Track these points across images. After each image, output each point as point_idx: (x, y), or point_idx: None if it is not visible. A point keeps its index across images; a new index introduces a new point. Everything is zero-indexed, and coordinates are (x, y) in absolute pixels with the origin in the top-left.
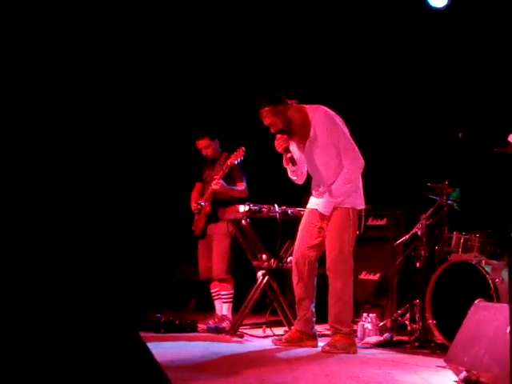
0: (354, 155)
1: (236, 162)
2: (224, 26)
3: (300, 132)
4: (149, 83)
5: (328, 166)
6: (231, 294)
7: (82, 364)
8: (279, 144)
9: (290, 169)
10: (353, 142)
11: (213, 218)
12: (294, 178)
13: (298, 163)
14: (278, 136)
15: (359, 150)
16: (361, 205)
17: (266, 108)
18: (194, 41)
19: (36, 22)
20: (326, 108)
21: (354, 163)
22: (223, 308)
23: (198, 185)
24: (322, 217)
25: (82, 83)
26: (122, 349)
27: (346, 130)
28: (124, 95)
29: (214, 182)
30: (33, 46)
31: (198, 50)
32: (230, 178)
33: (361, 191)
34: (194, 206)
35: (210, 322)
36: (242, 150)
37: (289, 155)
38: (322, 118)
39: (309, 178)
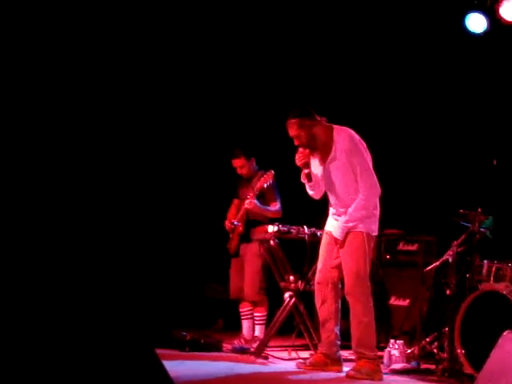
0: (370, 182)
1: (265, 186)
2: (254, 43)
3: (322, 149)
4: (187, 97)
5: (345, 188)
6: (264, 315)
7: (94, 376)
8: (300, 158)
9: (307, 184)
10: (372, 169)
11: (245, 237)
12: (311, 192)
13: (314, 181)
14: (300, 150)
15: (385, 175)
16: (375, 231)
17: (293, 120)
18: (228, 57)
19: (36, 22)
20: (352, 131)
21: (370, 190)
22: (256, 329)
23: (236, 202)
24: (336, 241)
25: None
26: (135, 365)
27: (369, 157)
28: (162, 109)
29: (247, 201)
30: (33, 46)
31: (237, 66)
32: (263, 198)
33: (376, 218)
34: (227, 224)
35: (236, 343)
36: (270, 174)
37: (306, 171)
38: (346, 140)
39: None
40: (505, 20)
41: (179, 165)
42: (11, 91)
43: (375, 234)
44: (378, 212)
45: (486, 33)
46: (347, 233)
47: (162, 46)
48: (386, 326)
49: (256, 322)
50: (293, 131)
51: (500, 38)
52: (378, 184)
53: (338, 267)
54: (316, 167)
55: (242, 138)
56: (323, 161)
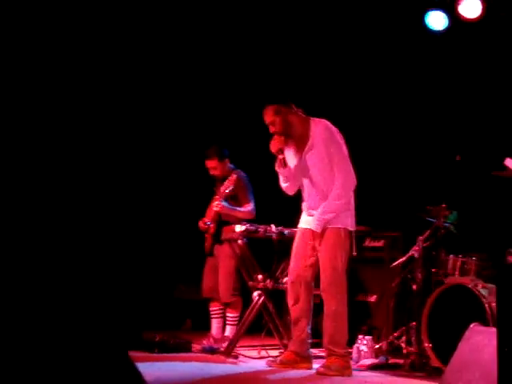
0: (347, 173)
1: (227, 191)
2: (234, 39)
3: (298, 139)
4: (165, 98)
5: (322, 179)
6: (237, 316)
7: (68, 380)
8: (274, 144)
9: (281, 173)
10: (348, 161)
11: (218, 238)
12: (285, 185)
13: (288, 172)
14: (275, 136)
15: (354, 170)
16: (352, 226)
17: (269, 106)
18: (209, 55)
19: (36, 22)
20: (328, 122)
21: (346, 181)
22: (227, 330)
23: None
24: (314, 235)
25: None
26: (109, 368)
27: (345, 148)
28: (139, 109)
29: (215, 203)
30: (33, 46)
31: (214, 63)
32: (236, 199)
33: (352, 212)
34: (201, 224)
35: (205, 342)
36: (232, 178)
37: (281, 156)
38: (323, 130)
39: (300, 197)
40: (464, 17)
41: (155, 164)
42: (11, 91)
43: (353, 229)
44: (353, 207)
45: (446, 30)
46: (325, 228)
47: (135, 46)
48: (353, 323)
49: (228, 323)
50: (268, 117)
51: (460, 35)
52: (353, 175)
53: (312, 266)
54: (291, 159)
55: (216, 138)
56: (300, 151)
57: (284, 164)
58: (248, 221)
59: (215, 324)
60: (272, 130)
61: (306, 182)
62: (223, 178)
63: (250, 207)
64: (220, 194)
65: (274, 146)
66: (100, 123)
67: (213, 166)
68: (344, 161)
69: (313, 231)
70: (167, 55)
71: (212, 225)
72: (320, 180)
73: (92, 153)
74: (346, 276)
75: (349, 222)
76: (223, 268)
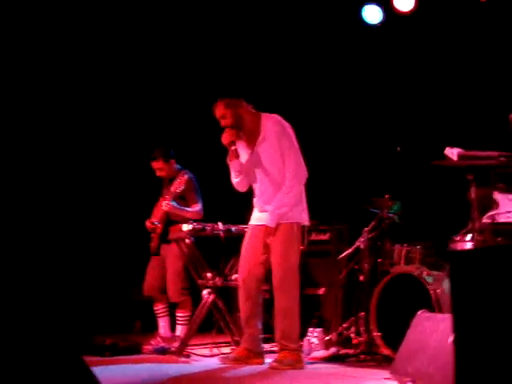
0: (297, 165)
1: (177, 191)
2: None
3: (249, 133)
4: (110, 97)
5: (275, 171)
6: (187, 316)
7: None
8: (226, 136)
9: (233, 167)
10: (299, 153)
11: (165, 237)
12: (236, 180)
13: (240, 167)
14: (227, 129)
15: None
16: (305, 220)
17: (220, 100)
18: (154, 51)
19: (36, 22)
20: (280, 117)
21: (298, 173)
22: (178, 329)
23: (160, 202)
24: (268, 231)
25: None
26: (66, 374)
27: (296, 142)
28: (86, 109)
29: (164, 203)
30: (33, 46)
31: (159, 60)
32: (184, 200)
33: (304, 206)
34: (148, 224)
35: (153, 343)
36: (183, 179)
37: (233, 147)
38: (275, 124)
39: (249, 194)
40: (399, 11)
41: (103, 165)
42: (11, 91)
43: (306, 223)
44: (305, 200)
45: (381, 23)
46: (279, 223)
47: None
48: (303, 316)
49: (178, 322)
50: (219, 111)
51: (395, 28)
52: (305, 168)
53: (264, 263)
54: (242, 154)
55: (162, 138)
56: (251, 145)
57: (236, 155)
58: (195, 220)
59: (162, 323)
60: (223, 123)
61: (258, 176)
62: (170, 179)
63: (198, 207)
64: (170, 193)
65: (225, 139)
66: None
67: (159, 166)
68: (295, 153)
69: (266, 227)
70: (109, 53)
71: (159, 225)
72: (273, 172)
73: (36, 151)
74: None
75: (303, 216)
76: (171, 268)
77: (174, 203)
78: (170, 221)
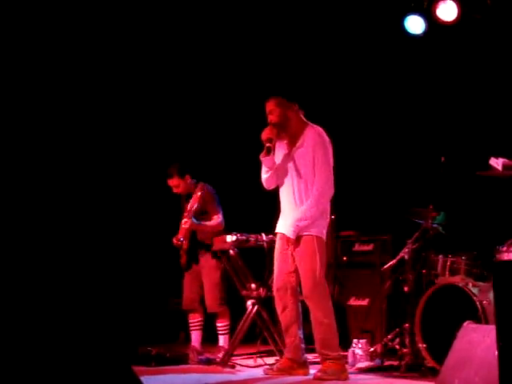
0: (327, 180)
1: (193, 208)
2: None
3: (291, 137)
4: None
5: (302, 181)
6: (227, 325)
7: None
8: (266, 132)
9: (265, 162)
10: (331, 170)
11: (192, 253)
12: (265, 176)
13: (272, 164)
14: (270, 126)
15: (336, 178)
16: (324, 235)
17: (274, 97)
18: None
19: (36, 22)
20: (323, 130)
21: (325, 189)
22: (220, 339)
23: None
24: (289, 241)
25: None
26: (116, 382)
27: (331, 159)
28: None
29: (183, 221)
30: (33, 46)
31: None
32: (204, 213)
33: (326, 223)
34: (174, 241)
35: (191, 356)
36: (196, 197)
37: (268, 144)
38: (316, 134)
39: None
40: (442, 20)
41: (139, 183)
42: (11, 91)
43: (324, 237)
44: (328, 216)
45: (424, 34)
46: (299, 236)
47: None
48: (347, 327)
49: (220, 333)
50: (269, 106)
51: (438, 38)
52: (332, 185)
53: (296, 271)
54: (278, 155)
55: (179, 154)
56: (289, 148)
57: (269, 152)
58: (222, 229)
59: (195, 336)
60: (269, 119)
61: (287, 182)
62: (188, 195)
63: (218, 219)
64: (187, 211)
65: (265, 134)
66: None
67: (175, 184)
68: (327, 169)
69: (287, 237)
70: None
71: (185, 241)
72: (302, 180)
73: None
74: (333, 280)
75: (323, 232)
76: (208, 279)
77: (194, 220)
78: (195, 237)
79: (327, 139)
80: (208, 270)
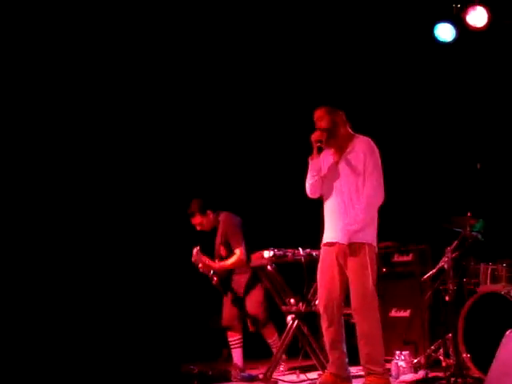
0: (378, 187)
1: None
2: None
3: (339, 145)
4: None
5: (351, 189)
6: (276, 338)
7: None
8: (316, 134)
9: (313, 166)
10: (381, 179)
11: (225, 284)
12: (311, 181)
13: (318, 174)
14: (319, 130)
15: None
16: (375, 242)
17: (325, 106)
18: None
19: (36, 22)
20: (371, 139)
21: (375, 196)
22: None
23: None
24: (340, 250)
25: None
26: None
27: (380, 167)
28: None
29: (200, 265)
30: (33, 46)
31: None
32: (227, 245)
33: (375, 229)
34: (209, 274)
35: (233, 372)
36: (219, 231)
37: (318, 144)
38: (366, 143)
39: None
40: (472, 27)
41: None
42: (11, 91)
43: (375, 245)
44: (376, 225)
45: (455, 40)
46: (351, 244)
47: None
48: (389, 338)
49: (273, 349)
50: (319, 113)
51: (469, 44)
52: (383, 192)
53: (341, 286)
54: (326, 162)
55: (200, 191)
56: (337, 156)
57: (319, 151)
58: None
59: (236, 354)
60: (318, 125)
61: (334, 192)
62: (214, 229)
63: (239, 255)
64: (216, 250)
65: (315, 136)
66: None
67: (198, 222)
68: (377, 176)
69: (338, 245)
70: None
71: (215, 277)
72: (351, 188)
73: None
74: (376, 293)
75: (374, 238)
76: (251, 298)
77: (213, 263)
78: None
79: (376, 147)
80: (249, 288)
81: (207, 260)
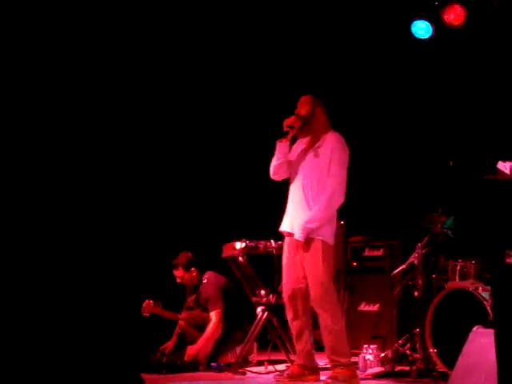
0: (338, 186)
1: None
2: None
3: (313, 136)
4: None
5: (314, 182)
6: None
7: None
8: (290, 119)
9: (280, 148)
10: (344, 180)
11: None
12: (276, 162)
13: (284, 160)
14: (294, 116)
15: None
16: (332, 241)
17: (310, 95)
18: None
19: (36, 22)
20: (343, 138)
21: (336, 194)
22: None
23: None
24: (297, 244)
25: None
26: None
27: (346, 167)
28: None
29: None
30: (33, 46)
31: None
32: (204, 307)
33: (333, 229)
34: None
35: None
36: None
37: (287, 129)
38: (336, 139)
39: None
40: (448, 24)
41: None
42: (11, 91)
43: (331, 243)
44: (335, 223)
45: (432, 38)
46: (307, 239)
47: None
48: (358, 332)
49: None
50: (304, 99)
51: (445, 42)
52: (344, 192)
53: (304, 277)
54: (296, 150)
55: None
56: (308, 146)
57: (286, 135)
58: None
59: None
60: (298, 109)
61: (298, 180)
62: (193, 286)
63: (214, 319)
64: (185, 306)
65: (288, 120)
66: None
67: (179, 275)
68: (341, 176)
69: (295, 240)
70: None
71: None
72: (314, 181)
73: None
74: (343, 285)
75: (330, 237)
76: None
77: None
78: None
79: (346, 147)
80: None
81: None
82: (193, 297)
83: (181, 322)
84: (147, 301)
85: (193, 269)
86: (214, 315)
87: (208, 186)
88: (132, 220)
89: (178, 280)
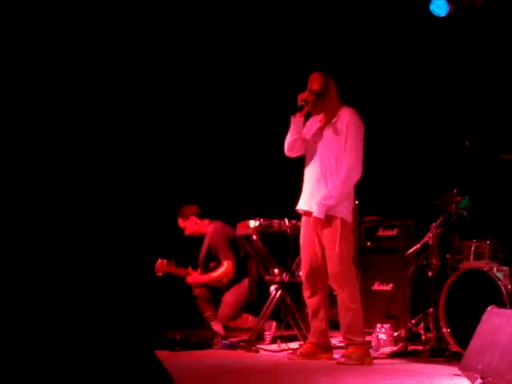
0: (355, 164)
1: (202, 255)
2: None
3: (327, 110)
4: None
5: (331, 158)
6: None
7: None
8: (304, 94)
9: (294, 124)
10: (361, 154)
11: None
12: (291, 139)
13: (299, 137)
14: (308, 90)
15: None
16: (351, 219)
17: (323, 72)
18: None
19: (36, 22)
20: (357, 112)
21: (353, 171)
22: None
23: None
24: (315, 221)
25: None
26: (138, 367)
27: (362, 141)
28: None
29: (187, 277)
30: (33, 46)
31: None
32: (216, 258)
33: (351, 205)
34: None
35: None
36: (206, 241)
37: (302, 103)
38: (351, 114)
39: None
40: (467, 2)
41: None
42: (11, 91)
43: (350, 220)
44: (353, 199)
45: (449, 16)
46: (326, 216)
47: None
48: (371, 311)
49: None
50: (315, 75)
51: (464, 20)
52: (361, 168)
53: (322, 255)
54: (311, 128)
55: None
56: (325, 122)
57: (301, 109)
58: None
59: (214, 326)
60: (310, 86)
61: (315, 158)
62: (200, 236)
63: (225, 265)
64: (199, 259)
65: (302, 95)
66: None
67: (181, 226)
68: (358, 150)
69: (314, 220)
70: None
71: (196, 289)
72: (331, 159)
73: None
74: (358, 265)
75: (348, 214)
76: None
77: (197, 275)
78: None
79: (362, 122)
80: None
81: (189, 272)
82: (204, 250)
83: (194, 280)
84: (160, 260)
85: (192, 217)
86: (226, 263)
87: (223, 164)
88: (146, 193)
89: (185, 233)
